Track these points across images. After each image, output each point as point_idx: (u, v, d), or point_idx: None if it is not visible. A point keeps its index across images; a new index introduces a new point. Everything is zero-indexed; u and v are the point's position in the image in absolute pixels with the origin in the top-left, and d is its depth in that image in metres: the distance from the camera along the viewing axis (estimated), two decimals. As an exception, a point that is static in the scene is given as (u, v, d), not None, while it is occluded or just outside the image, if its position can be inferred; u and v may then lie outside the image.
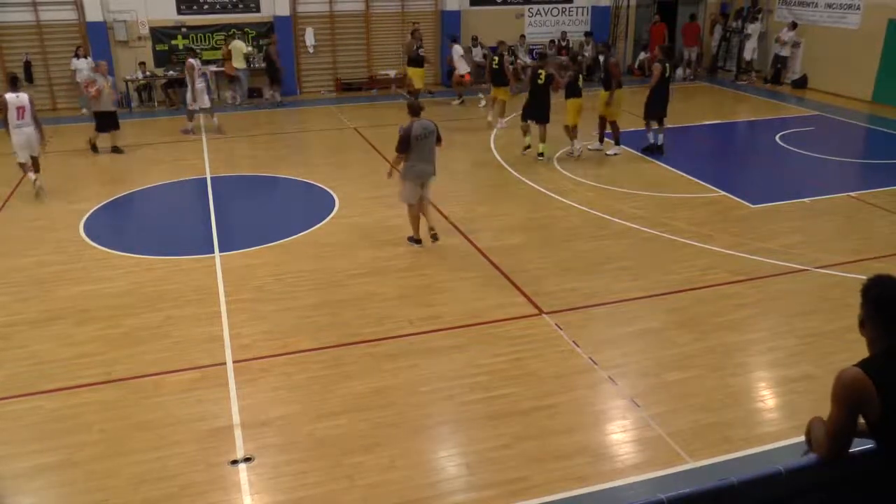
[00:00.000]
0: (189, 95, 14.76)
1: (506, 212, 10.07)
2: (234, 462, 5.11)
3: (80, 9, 16.88)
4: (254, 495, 4.82)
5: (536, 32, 20.42)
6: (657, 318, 7.07)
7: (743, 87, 19.25)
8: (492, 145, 13.65)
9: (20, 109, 10.87)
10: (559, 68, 13.06)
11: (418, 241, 8.86)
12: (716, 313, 7.14)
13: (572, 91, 12.37)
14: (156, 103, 17.80)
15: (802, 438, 3.02)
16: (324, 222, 9.79)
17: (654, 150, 12.76)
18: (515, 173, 11.82)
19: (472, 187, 11.61)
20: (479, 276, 8.07)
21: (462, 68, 17.25)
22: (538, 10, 20.44)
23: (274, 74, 17.53)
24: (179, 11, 17.84)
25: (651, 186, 10.98)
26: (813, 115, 15.88)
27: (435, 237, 8.76)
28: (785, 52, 18.74)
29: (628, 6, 20.83)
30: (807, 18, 18.63)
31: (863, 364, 2.67)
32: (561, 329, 6.83)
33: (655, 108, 12.77)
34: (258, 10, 18.35)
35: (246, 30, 18.23)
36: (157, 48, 17.80)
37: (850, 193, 10.57)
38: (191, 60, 14.83)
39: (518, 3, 20.22)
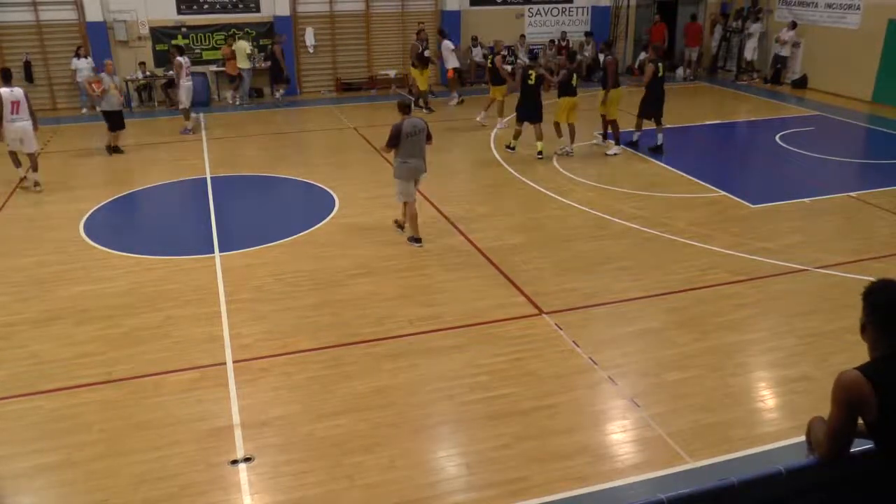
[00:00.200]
0: (185, 93, 14.79)
1: (506, 212, 10.07)
2: (234, 462, 5.11)
3: (80, 9, 16.88)
4: (254, 495, 4.82)
5: (536, 32, 20.43)
6: (657, 318, 7.07)
7: (743, 87, 19.25)
8: (492, 145, 13.65)
9: (15, 104, 10.94)
10: (549, 69, 13.17)
11: (418, 241, 8.89)
12: (716, 313, 7.14)
13: (566, 90, 12.53)
14: (156, 103, 17.80)
15: (802, 438, 3.02)
16: (324, 222, 9.79)
17: (635, 147, 12.95)
18: (515, 173, 11.82)
19: (472, 187, 11.61)
20: (479, 276, 8.07)
21: (451, 63, 17.26)
22: (538, 10, 20.45)
23: (279, 74, 17.55)
24: (179, 11, 17.85)
25: (651, 186, 10.98)
26: (813, 115, 15.89)
27: (401, 227, 9.17)
28: (785, 52, 18.74)
29: (628, 6, 20.84)
30: (807, 18, 18.63)
31: (863, 367, 2.68)
32: (561, 329, 6.83)
33: (649, 108, 12.85)
34: (258, 10, 18.36)
35: (246, 30, 18.23)
36: (157, 48, 17.80)
37: (850, 193, 10.57)
38: (178, 58, 14.85)
39: (518, 3, 20.23)
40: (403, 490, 4.84)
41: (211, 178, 11.92)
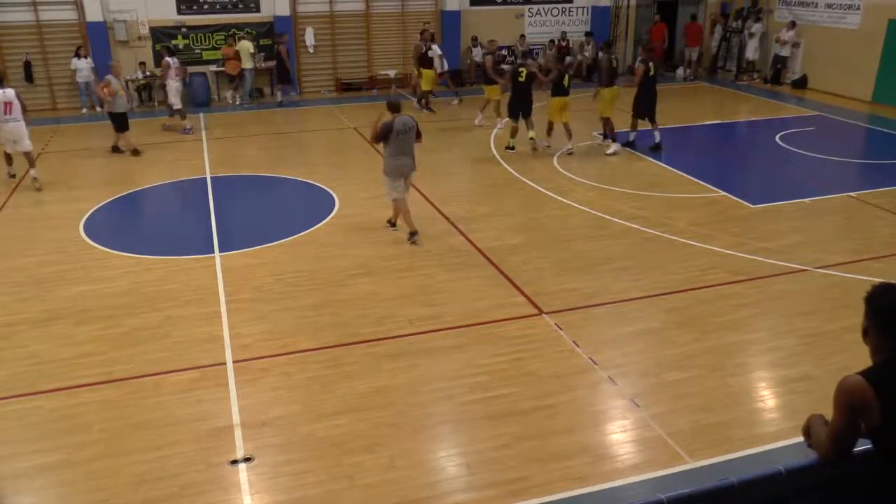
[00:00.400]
0: (174, 94, 14.81)
1: (506, 212, 10.07)
2: (234, 462, 5.11)
3: (80, 9, 16.88)
4: (254, 495, 4.82)
5: (536, 32, 20.43)
6: (657, 318, 7.07)
7: (743, 88, 19.26)
8: (492, 145, 13.65)
9: (7, 105, 11.03)
10: (548, 69, 13.28)
11: (415, 233, 8.97)
12: (716, 313, 7.14)
13: (557, 90, 12.77)
14: (156, 103, 17.79)
15: (802, 439, 3.02)
16: (324, 222, 9.79)
17: (633, 147, 13.00)
18: (515, 173, 11.82)
19: (472, 187, 11.61)
20: (479, 276, 8.07)
21: (439, 67, 17.29)
22: (538, 10, 20.45)
23: (285, 74, 17.56)
24: (179, 11, 17.86)
25: (651, 186, 10.99)
26: (813, 115, 15.89)
27: (393, 225, 9.33)
28: (785, 52, 18.75)
29: (628, 6, 20.84)
30: (807, 18, 18.63)
31: (865, 372, 2.67)
32: (561, 329, 6.83)
33: (641, 108, 12.94)
34: (258, 10, 18.36)
35: (246, 30, 18.23)
36: (158, 48, 17.78)
37: (850, 193, 10.57)
38: (167, 59, 14.86)
39: (518, 3, 20.23)
40: (403, 490, 4.84)
41: (211, 178, 11.92)
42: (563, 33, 20.28)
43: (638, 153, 12.89)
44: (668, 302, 7.38)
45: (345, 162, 12.98)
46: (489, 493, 4.80)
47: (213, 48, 18.20)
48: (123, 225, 10.39)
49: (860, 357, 2.86)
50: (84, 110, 17.04)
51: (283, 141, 14.94)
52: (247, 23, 18.30)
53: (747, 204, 10.21)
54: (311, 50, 18.82)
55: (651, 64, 12.78)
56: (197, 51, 18.16)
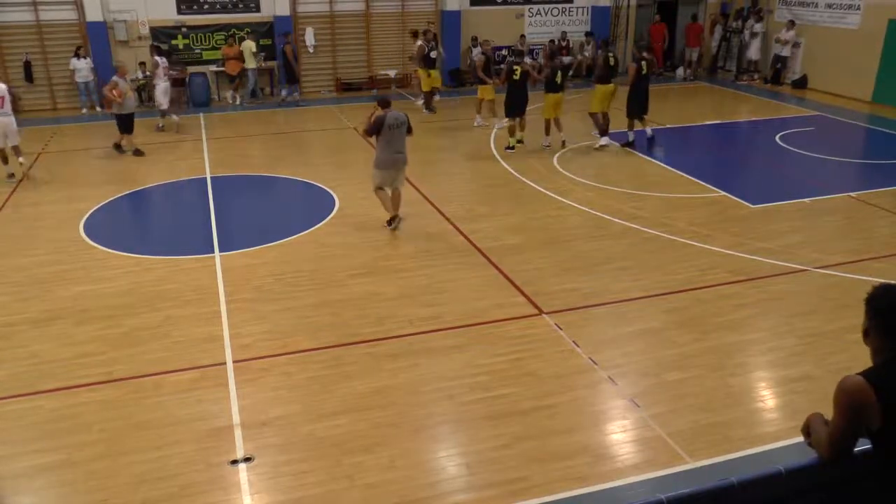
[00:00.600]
0: (162, 94, 14.80)
1: (506, 212, 10.07)
2: (234, 462, 5.11)
3: (80, 9, 16.89)
4: (254, 495, 4.82)
5: (536, 32, 20.43)
6: (657, 318, 7.07)
7: (743, 88, 19.25)
8: (492, 145, 13.65)
9: (0, 99, 11.06)
10: (541, 67, 13.47)
11: (394, 219, 9.36)
12: (716, 313, 7.14)
13: (550, 87, 12.96)
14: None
15: (802, 439, 3.02)
16: (324, 222, 9.79)
17: (632, 147, 13.06)
18: (515, 173, 11.82)
19: (472, 187, 11.61)
20: (479, 276, 8.07)
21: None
22: (538, 10, 20.45)
23: (290, 74, 17.56)
24: (179, 11, 17.86)
25: (651, 186, 10.99)
26: (813, 116, 15.89)
27: (393, 226, 9.35)
28: (786, 52, 18.74)
29: (628, 6, 20.84)
30: (807, 18, 18.63)
31: (866, 373, 2.67)
32: (561, 329, 6.83)
33: (633, 106, 13.02)
34: (258, 10, 18.36)
35: (246, 30, 18.24)
36: (153, 47, 17.78)
37: (850, 193, 10.57)
38: (156, 58, 14.86)
39: (518, 3, 20.23)
40: (403, 490, 4.84)
41: (211, 178, 11.92)
42: (564, 33, 20.29)
43: (638, 153, 12.89)
44: (668, 302, 7.38)
45: (345, 162, 12.99)
46: (489, 493, 4.80)
47: (213, 48, 18.20)
48: (123, 225, 10.40)
49: (860, 357, 2.86)
50: (84, 110, 17.04)
51: (284, 141, 14.94)
52: (247, 23, 18.30)
53: (747, 204, 10.21)
54: (311, 50, 18.82)
55: (644, 63, 12.86)
56: (197, 51, 18.17)
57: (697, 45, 20.63)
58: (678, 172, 11.73)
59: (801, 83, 18.62)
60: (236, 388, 5.99)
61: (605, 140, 13.14)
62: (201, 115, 16.73)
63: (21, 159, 11.68)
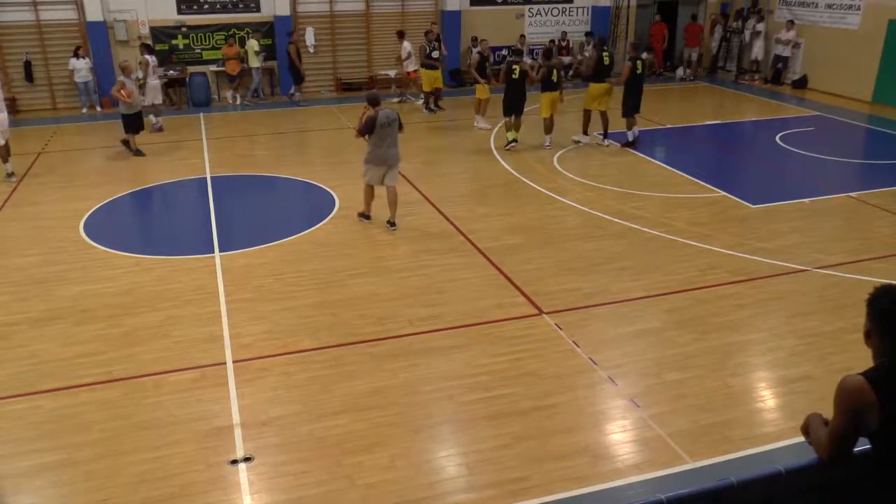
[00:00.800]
0: (153, 92, 14.80)
1: (506, 212, 10.07)
2: (234, 462, 5.11)
3: (80, 8, 16.87)
4: (254, 495, 4.82)
5: (536, 32, 20.43)
6: (657, 318, 7.07)
7: (743, 88, 19.25)
8: (492, 145, 13.65)
9: None
10: (533, 66, 13.78)
11: (368, 217, 9.59)
12: (716, 313, 7.14)
13: (546, 86, 13.07)
14: (166, 103, 17.77)
15: (802, 439, 3.02)
16: (324, 222, 9.79)
17: (632, 146, 13.13)
18: (515, 173, 11.82)
19: (472, 187, 11.61)
20: (479, 276, 8.07)
21: (409, 66, 17.30)
22: (538, 10, 20.45)
23: (295, 74, 17.55)
24: (179, 11, 17.85)
25: (651, 186, 10.99)
26: (813, 116, 15.89)
27: (392, 225, 9.40)
28: (786, 52, 18.74)
29: (628, 6, 20.84)
30: (807, 19, 18.63)
31: (866, 373, 2.67)
32: (561, 329, 6.83)
33: (627, 106, 13.09)
34: (258, 10, 18.35)
35: (246, 30, 18.23)
36: (158, 48, 17.76)
37: (850, 194, 10.57)
38: (146, 56, 14.85)
39: (518, 3, 20.22)
40: (403, 490, 4.84)
41: (211, 177, 11.92)
42: (564, 33, 20.29)
43: (638, 153, 12.89)
44: (668, 302, 7.38)
45: (345, 162, 12.95)
46: (489, 493, 4.80)
47: (214, 48, 18.19)
48: (123, 225, 10.39)
49: (860, 357, 2.86)
50: (84, 110, 17.04)
51: (284, 141, 14.94)
52: (247, 22, 18.29)
53: (747, 204, 10.21)
54: (311, 50, 18.81)
55: (638, 62, 12.94)
56: (197, 51, 18.16)
57: (697, 46, 20.63)
58: (678, 172, 11.73)
59: (801, 83, 18.62)
60: (236, 388, 5.99)
61: (584, 137, 13.46)
62: (201, 115, 16.73)
63: (9, 165, 11.55)
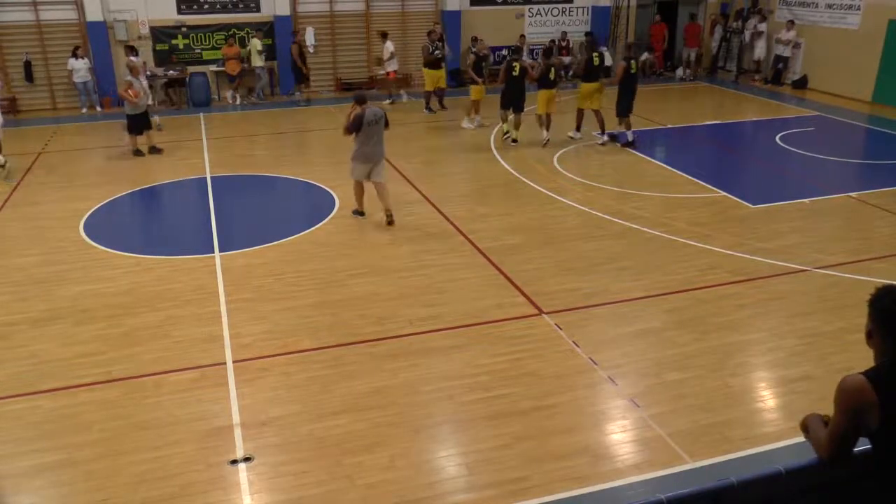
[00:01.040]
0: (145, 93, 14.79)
1: (506, 212, 10.07)
2: (234, 462, 5.11)
3: (80, 8, 16.87)
4: (253, 495, 4.82)
5: (536, 32, 20.41)
6: (657, 318, 7.07)
7: (743, 88, 19.25)
8: (492, 145, 13.65)
9: None
10: (532, 66, 14.11)
11: (362, 214, 9.77)
12: (716, 313, 7.14)
13: (544, 83, 13.27)
14: (156, 103, 17.77)
15: (802, 439, 3.02)
16: (324, 222, 9.79)
17: (632, 146, 13.16)
18: (515, 173, 11.82)
19: (472, 187, 11.61)
20: (479, 276, 8.07)
21: (390, 66, 17.32)
22: (538, 10, 20.44)
23: (299, 73, 17.56)
24: (179, 11, 17.84)
25: (651, 186, 10.99)
26: (813, 116, 15.89)
27: (390, 222, 9.53)
28: (787, 52, 18.73)
29: (628, 6, 20.83)
30: (807, 19, 18.62)
31: (867, 373, 2.67)
32: (561, 329, 6.83)
33: (621, 106, 13.19)
34: (258, 10, 18.35)
35: (247, 30, 18.23)
36: (158, 48, 17.80)
37: (850, 194, 10.57)
38: (131, 58, 14.86)
39: (518, 3, 20.22)
40: (403, 490, 4.84)
41: (211, 177, 11.92)
42: (564, 33, 20.28)
43: (637, 153, 12.89)
44: (668, 302, 7.38)
45: (345, 161, 12.77)
46: (489, 493, 4.80)
47: (214, 48, 18.18)
48: (123, 225, 10.38)
49: (860, 357, 2.86)
50: (84, 110, 17.03)
51: (284, 141, 14.95)
52: (247, 22, 18.29)
53: (747, 204, 10.21)
54: (311, 50, 18.81)
55: (633, 62, 13.05)
56: (197, 50, 18.15)
57: (696, 46, 20.62)
58: (678, 172, 11.73)
59: (801, 83, 18.62)
60: (236, 388, 5.99)
61: (576, 134, 13.68)
62: (201, 115, 16.73)
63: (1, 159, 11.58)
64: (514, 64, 13.29)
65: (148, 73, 15.17)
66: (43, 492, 4.96)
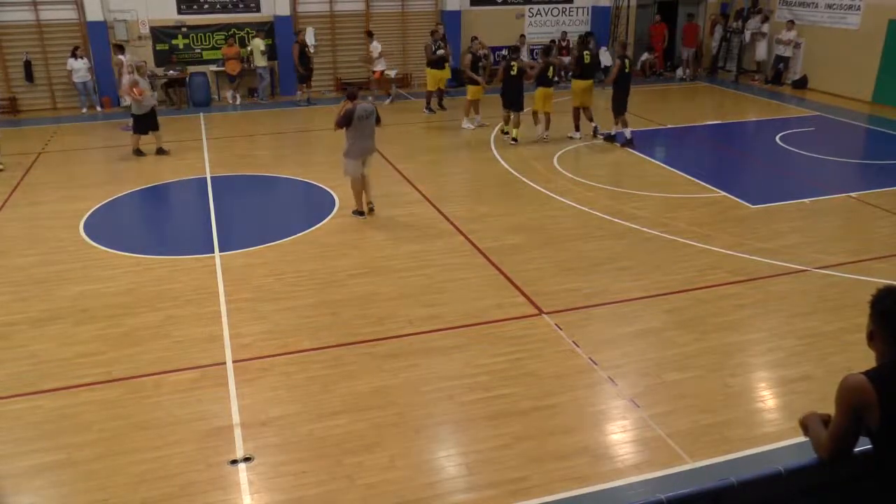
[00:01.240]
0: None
1: (506, 212, 10.07)
2: (234, 462, 5.11)
3: (80, 8, 16.87)
4: (253, 495, 4.83)
5: (536, 32, 20.41)
6: (657, 318, 7.07)
7: (743, 88, 19.25)
8: (492, 145, 13.65)
9: None
10: (531, 65, 14.24)
11: (362, 214, 9.81)
12: (716, 313, 7.14)
13: (542, 81, 13.38)
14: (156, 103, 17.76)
15: (802, 438, 3.02)
16: (324, 222, 9.79)
17: (631, 146, 13.19)
18: (515, 173, 11.82)
19: (472, 187, 11.61)
20: (479, 276, 8.07)
21: (377, 66, 17.34)
22: (538, 10, 20.44)
23: (300, 73, 17.55)
24: (180, 11, 17.83)
25: (651, 186, 10.98)
26: (813, 116, 15.88)
27: (371, 210, 9.86)
28: (787, 52, 18.73)
29: (628, 6, 20.83)
30: (807, 19, 18.62)
31: (868, 373, 2.67)
32: (561, 329, 6.83)
33: (616, 104, 13.25)
34: (258, 10, 18.35)
35: (247, 30, 18.23)
36: (158, 48, 17.80)
37: (850, 194, 10.57)
38: (119, 56, 14.84)
39: (518, 3, 20.22)
40: (403, 490, 4.84)
41: (211, 177, 11.92)
42: (564, 33, 20.27)
43: (637, 153, 12.89)
44: (668, 302, 7.38)
45: (345, 162, 12.97)
46: (489, 493, 4.80)
47: (214, 48, 18.18)
48: (123, 224, 10.39)
49: (860, 357, 2.86)
50: (84, 110, 17.03)
51: (284, 141, 14.95)
52: (247, 22, 18.29)
53: (747, 204, 10.21)
54: (311, 50, 18.79)
55: (626, 61, 13.14)
56: (197, 50, 18.15)
57: (693, 46, 20.61)
58: (678, 172, 11.73)
59: (801, 83, 18.61)
60: (236, 388, 5.99)
61: (575, 133, 13.78)
62: (201, 115, 16.72)
63: None
64: (512, 64, 13.39)
65: (133, 71, 15.09)
66: (43, 492, 4.97)
